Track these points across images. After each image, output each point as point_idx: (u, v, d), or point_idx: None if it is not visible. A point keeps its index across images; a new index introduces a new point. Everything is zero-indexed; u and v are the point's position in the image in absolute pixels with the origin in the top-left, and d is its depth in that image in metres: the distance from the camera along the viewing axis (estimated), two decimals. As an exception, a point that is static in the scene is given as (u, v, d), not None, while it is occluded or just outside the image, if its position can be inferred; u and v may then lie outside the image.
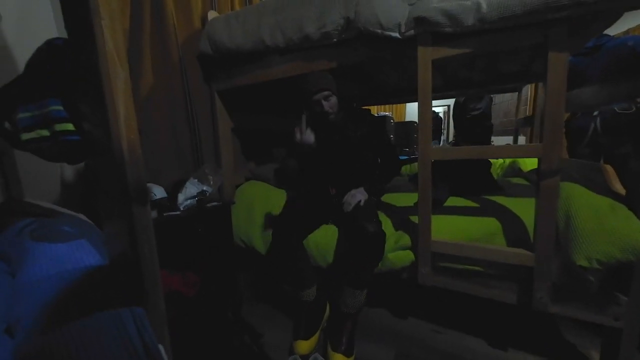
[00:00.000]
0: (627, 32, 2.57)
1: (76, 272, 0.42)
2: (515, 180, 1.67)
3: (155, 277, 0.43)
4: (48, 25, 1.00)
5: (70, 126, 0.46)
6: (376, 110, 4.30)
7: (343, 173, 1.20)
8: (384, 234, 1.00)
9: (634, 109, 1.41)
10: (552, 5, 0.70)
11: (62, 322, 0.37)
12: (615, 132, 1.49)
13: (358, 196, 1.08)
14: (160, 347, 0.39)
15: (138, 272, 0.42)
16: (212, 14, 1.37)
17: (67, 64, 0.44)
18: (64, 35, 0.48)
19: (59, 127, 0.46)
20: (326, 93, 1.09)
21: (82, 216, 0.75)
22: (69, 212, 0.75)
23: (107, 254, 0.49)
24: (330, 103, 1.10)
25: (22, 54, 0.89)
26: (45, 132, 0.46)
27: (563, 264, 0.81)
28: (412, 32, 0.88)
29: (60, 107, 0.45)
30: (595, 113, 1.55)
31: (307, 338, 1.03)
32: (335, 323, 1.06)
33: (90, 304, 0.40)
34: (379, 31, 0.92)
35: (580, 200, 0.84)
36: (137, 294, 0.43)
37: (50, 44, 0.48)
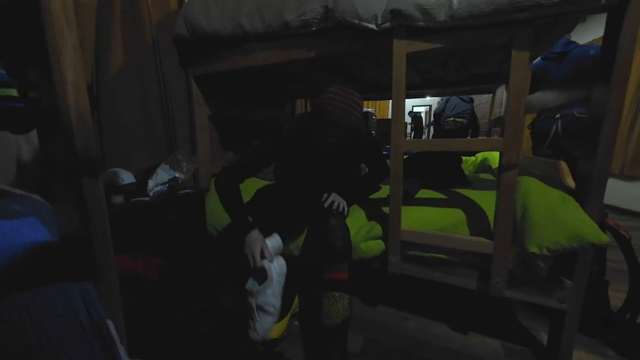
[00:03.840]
0: (592, 42, 2.75)
1: (19, 247, 0.40)
2: (484, 175, 1.75)
3: (107, 252, 0.41)
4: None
5: (13, 92, 0.43)
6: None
7: (326, 188, 1.13)
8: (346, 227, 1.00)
9: (590, 113, 1.51)
10: (515, 6, 0.74)
11: (1, 298, 0.35)
12: (574, 135, 1.60)
13: (342, 203, 1.05)
14: (110, 323, 0.38)
15: (89, 248, 0.40)
16: (189, -5, 1.32)
17: (7, 24, 0.41)
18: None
19: (1, 92, 0.43)
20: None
21: (36, 197, 0.70)
22: (22, 192, 0.70)
23: (58, 231, 0.47)
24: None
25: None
26: (-17, 97, 0.43)
27: (518, 251, 0.87)
28: (388, 24, 0.89)
29: (2, 71, 0.42)
30: (558, 116, 1.66)
31: (277, 321, 1.04)
32: (322, 345, 0.94)
33: (34, 280, 0.38)
34: (356, 22, 0.93)
35: (535, 194, 0.90)
36: (88, 270, 0.42)
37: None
